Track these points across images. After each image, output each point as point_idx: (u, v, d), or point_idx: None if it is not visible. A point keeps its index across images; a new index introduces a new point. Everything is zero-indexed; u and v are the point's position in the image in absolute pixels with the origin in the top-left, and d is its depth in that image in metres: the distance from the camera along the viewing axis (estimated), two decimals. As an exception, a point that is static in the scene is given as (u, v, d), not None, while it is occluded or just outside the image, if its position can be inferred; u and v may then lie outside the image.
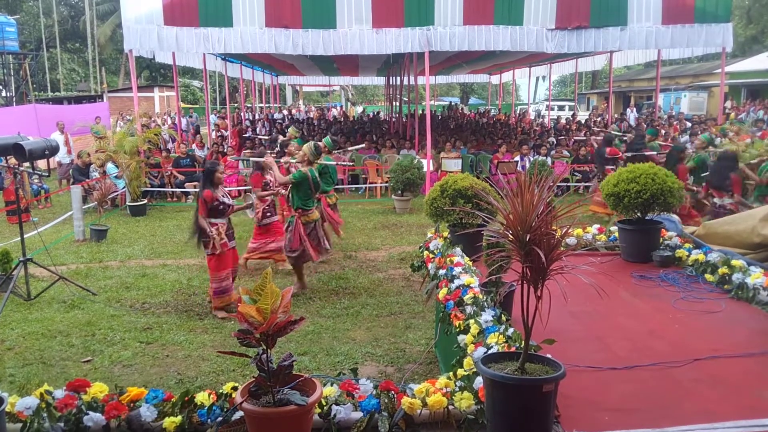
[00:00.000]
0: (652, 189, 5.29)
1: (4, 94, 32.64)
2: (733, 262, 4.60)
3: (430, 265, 4.85)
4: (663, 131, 17.96)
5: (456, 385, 2.96)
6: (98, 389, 2.95)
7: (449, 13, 12.15)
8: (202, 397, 2.88)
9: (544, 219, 2.61)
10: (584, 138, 16.15)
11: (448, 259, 4.57)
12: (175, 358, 5.19)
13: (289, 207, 7.21)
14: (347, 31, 12.10)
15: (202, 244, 6.22)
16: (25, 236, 6.78)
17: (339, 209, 9.03)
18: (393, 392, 2.90)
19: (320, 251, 6.91)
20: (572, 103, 34.21)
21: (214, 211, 6.14)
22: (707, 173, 8.60)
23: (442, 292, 4.15)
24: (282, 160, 8.53)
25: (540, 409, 2.59)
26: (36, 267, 7.08)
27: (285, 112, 32.33)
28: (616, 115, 25.37)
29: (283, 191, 7.44)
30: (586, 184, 13.12)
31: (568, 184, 13.43)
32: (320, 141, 8.79)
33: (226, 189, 7.20)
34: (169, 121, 23.59)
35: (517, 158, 14.26)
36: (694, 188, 8.86)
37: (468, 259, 4.59)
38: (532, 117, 29.09)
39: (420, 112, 18.68)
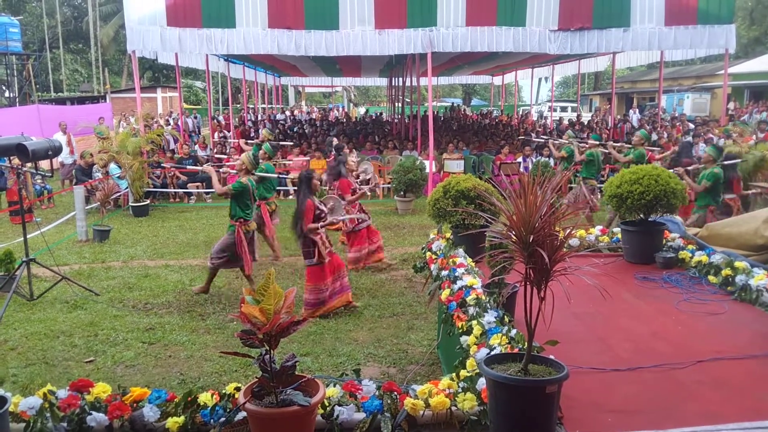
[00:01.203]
0: (655, 190, 5.28)
1: (7, 94, 32.76)
2: (737, 263, 4.59)
3: (432, 266, 4.85)
4: (666, 134, 17.96)
5: (459, 386, 2.96)
6: (101, 389, 2.96)
7: (452, 14, 12.15)
8: (205, 398, 2.88)
9: (547, 220, 2.61)
10: (541, 140, 15.87)
11: (450, 260, 4.57)
12: (177, 358, 5.19)
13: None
14: (350, 32, 12.11)
15: (303, 254, 6.13)
16: (28, 236, 6.79)
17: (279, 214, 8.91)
18: (396, 393, 2.90)
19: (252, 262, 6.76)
20: (574, 105, 34.19)
21: (315, 219, 6.04)
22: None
23: (445, 293, 4.15)
24: (222, 170, 8.56)
25: (543, 411, 2.59)
26: (39, 267, 7.10)
27: (287, 113, 32.36)
28: (618, 117, 25.34)
29: (373, 191, 7.39)
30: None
31: (571, 185, 13.40)
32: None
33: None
34: (171, 123, 23.61)
35: (520, 159, 14.26)
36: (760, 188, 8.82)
37: (471, 260, 4.59)
38: (535, 118, 29.08)
39: (422, 113, 18.69)
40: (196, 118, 25.95)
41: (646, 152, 9.57)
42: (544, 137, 15.44)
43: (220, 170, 8.61)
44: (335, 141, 10.14)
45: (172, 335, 5.68)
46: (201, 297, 6.78)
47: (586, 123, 23.27)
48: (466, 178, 5.50)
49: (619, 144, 10.60)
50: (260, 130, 21.00)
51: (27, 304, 6.53)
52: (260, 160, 7.91)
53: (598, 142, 10.76)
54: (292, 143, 15.43)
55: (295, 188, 13.82)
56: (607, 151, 10.98)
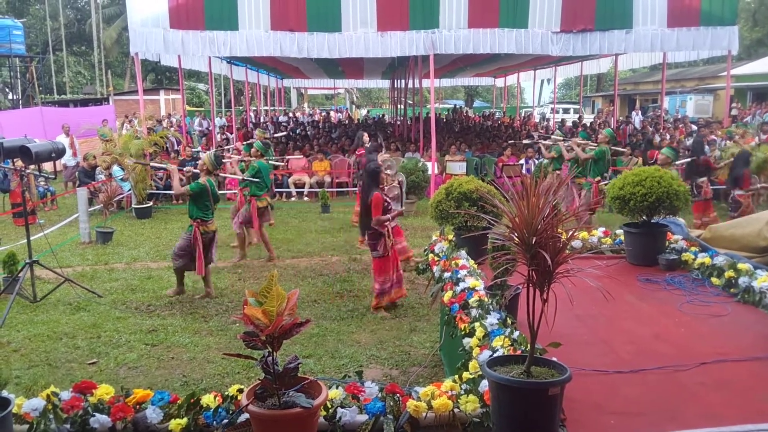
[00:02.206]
0: (657, 192, 5.28)
1: (10, 96, 32.81)
2: (740, 265, 4.58)
3: (435, 268, 4.85)
4: (668, 135, 17.92)
5: (461, 388, 2.96)
6: (104, 391, 2.97)
7: (454, 16, 12.15)
8: (208, 400, 2.89)
9: (549, 222, 2.61)
10: (530, 141, 15.74)
11: (453, 261, 4.57)
12: (180, 360, 5.20)
13: None
14: (352, 34, 12.12)
15: (370, 246, 6.26)
16: (31, 238, 6.81)
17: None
18: (398, 395, 2.90)
19: (207, 264, 6.81)
20: (577, 106, 34.16)
21: (384, 211, 6.10)
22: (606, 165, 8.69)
23: (447, 295, 4.15)
24: (185, 168, 8.52)
25: (546, 413, 2.59)
26: (42, 269, 7.11)
27: (290, 114, 32.38)
28: (621, 118, 25.31)
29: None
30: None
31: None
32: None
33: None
34: (174, 125, 23.64)
35: (522, 161, 14.26)
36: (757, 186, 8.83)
37: (473, 262, 4.59)
38: (537, 120, 29.06)
39: (425, 115, 18.69)
40: (204, 119, 25.96)
41: (609, 150, 9.59)
42: (535, 137, 15.40)
43: (183, 168, 8.57)
44: (365, 136, 10.07)
45: (174, 337, 5.69)
46: (203, 298, 6.79)
47: (588, 125, 23.24)
48: (469, 180, 5.50)
49: (584, 142, 10.46)
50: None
51: (30, 305, 6.54)
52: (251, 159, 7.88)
53: (583, 139, 10.76)
54: (283, 134, 15.32)
55: (299, 189, 13.96)
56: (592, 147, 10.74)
